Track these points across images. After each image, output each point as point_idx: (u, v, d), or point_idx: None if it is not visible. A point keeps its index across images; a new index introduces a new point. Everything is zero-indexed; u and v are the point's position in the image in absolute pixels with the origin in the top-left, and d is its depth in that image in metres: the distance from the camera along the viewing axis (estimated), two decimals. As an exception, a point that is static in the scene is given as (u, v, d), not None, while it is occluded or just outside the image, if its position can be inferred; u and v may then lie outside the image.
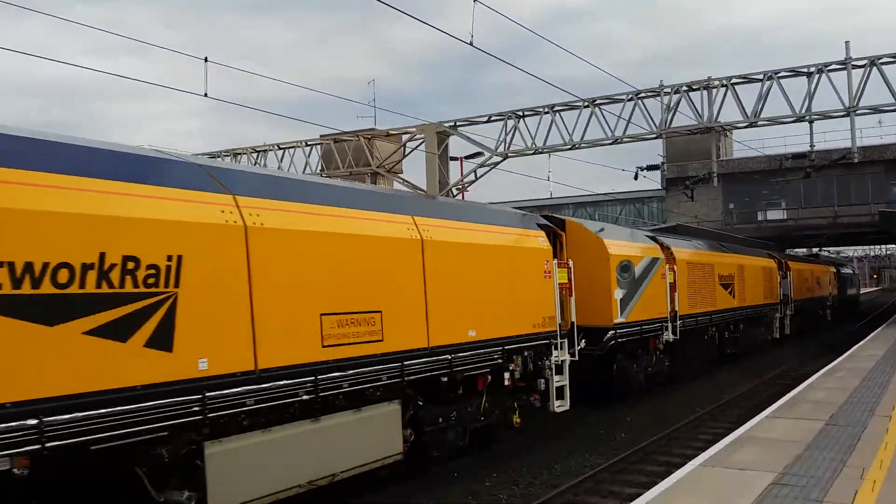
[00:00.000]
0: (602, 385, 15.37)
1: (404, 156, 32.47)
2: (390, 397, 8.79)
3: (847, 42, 23.54)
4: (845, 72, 23.40)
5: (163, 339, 6.13)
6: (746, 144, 46.33)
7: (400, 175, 33.34)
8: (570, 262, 12.82)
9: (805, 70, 24.19)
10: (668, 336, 17.38)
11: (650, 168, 30.61)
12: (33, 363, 5.29)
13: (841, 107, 23.50)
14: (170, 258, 6.25)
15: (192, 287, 6.39)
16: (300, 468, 7.49)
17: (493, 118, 29.13)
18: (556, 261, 12.34)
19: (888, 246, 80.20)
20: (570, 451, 12.22)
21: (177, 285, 6.27)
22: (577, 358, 12.82)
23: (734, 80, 25.09)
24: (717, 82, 25.25)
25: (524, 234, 11.93)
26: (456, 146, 31.66)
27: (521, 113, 28.22)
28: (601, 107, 26.66)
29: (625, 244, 16.26)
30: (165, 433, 6.17)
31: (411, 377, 8.91)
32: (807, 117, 24.32)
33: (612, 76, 28.65)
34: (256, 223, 7.07)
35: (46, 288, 5.38)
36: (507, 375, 10.98)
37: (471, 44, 14.81)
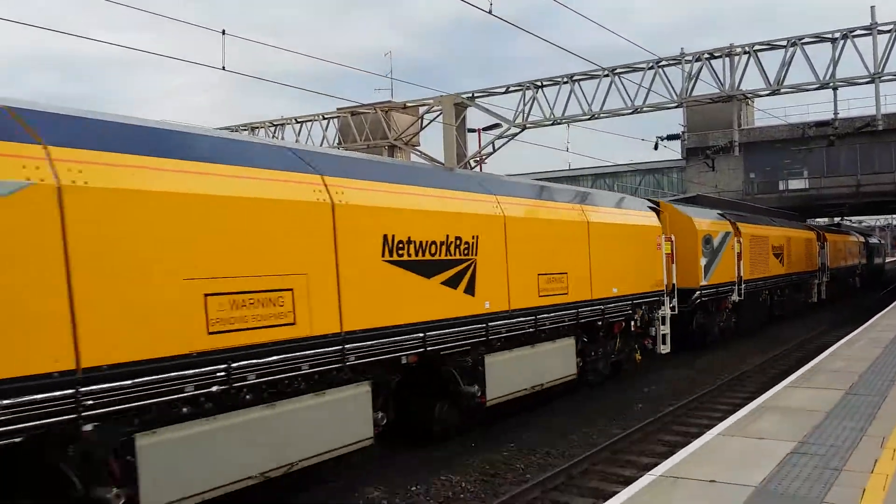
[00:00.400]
0: (683, 336, 18.12)
1: (422, 128, 32.33)
2: (568, 335, 12.38)
3: (873, 7, 23.03)
4: (870, 37, 22.93)
5: (471, 288, 9.91)
6: (768, 113, 45.57)
7: (417, 147, 33.25)
8: (673, 237, 16.59)
9: (829, 36, 23.73)
10: (735, 297, 21.12)
11: (670, 138, 30.26)
12: (422, 299, 8.99)
13: (866, 73, 23.06)
14: (474, 237, 9.99)
15: (482, 255, 10.10)
16: (526, 377, 11.23)
17: (511, 89, 28.87)
18: (663, 236, 15.93)
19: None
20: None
21: (475, 254, 10.00)
22: (676, 312, 16.31)
23: (757, 47, 24.66)
24: (739, 49, 24.83)
25: (645, 216, 15.63)
26: (474, 118, 31.52)
27: (539, 83, 27.94)
28: (621, 76, 26.33)
29: (706, 221, 19.83)
30: (468, 348, 10.01)
31: (582, 320, 12.65)
32: (831, 84, 23.90)
33: (632, 43, 28.16)
34: (509, 214, 10.78)
35: (426, 256, 9.07)
36: (632, 323, 14.67)
37: (489, 12, 14.63)
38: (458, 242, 9.64)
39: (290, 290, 7.16)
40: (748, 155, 40.56)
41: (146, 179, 6.04)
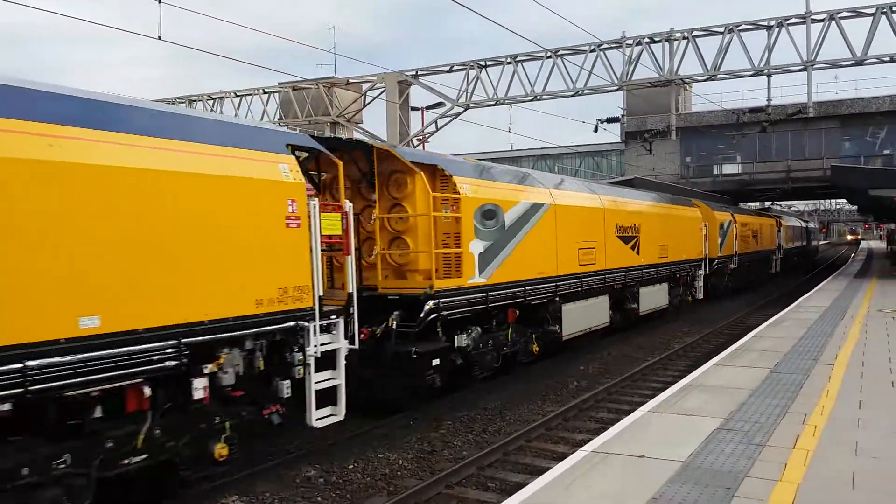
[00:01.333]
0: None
1: (364, 105, 32.05)
2: (662, 282, 20.36)
3: (807, -5, 23.67)
4: (804, 26, 23.59)
5: (637, 250, 18.14)
6: (706, 98, 46.56)
7: (360, 125, 32.96)
8: (706, 224, 24.97)
9: (765, 23, 24.32)
10: (733, 265, 29.29)
11: (610, 121, 30.60)
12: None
13: (799, 61, 23.73)
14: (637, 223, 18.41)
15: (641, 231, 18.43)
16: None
17: (454, 68, 28.82)
18: (703, 223, 24.35)
19: (836, 200, 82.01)
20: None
21: (638, 232, 18.12)
22: (708, 273, 25.06)
23: (695, 33, 25.13)
24: (678, 34, 25.26)
25: (692, 210, 24.07)
26: (417, 96, 31.48)
27: (483, 63, 27.96)
28: (563, 58, 26.54)
29: (721, 213, 27.93)
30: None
31: (674, 273, 21.49)
32: (765, 71, 24.53)
33: (574, 25, 28.47)
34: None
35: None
36: (688, 277, 23.23)
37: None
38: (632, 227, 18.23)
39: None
40: (685, 139, 41.47)
41: (581, 199, 14.91)
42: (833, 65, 24.27)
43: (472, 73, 27.97)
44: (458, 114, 28.91)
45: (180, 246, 6.53)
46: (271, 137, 7.92)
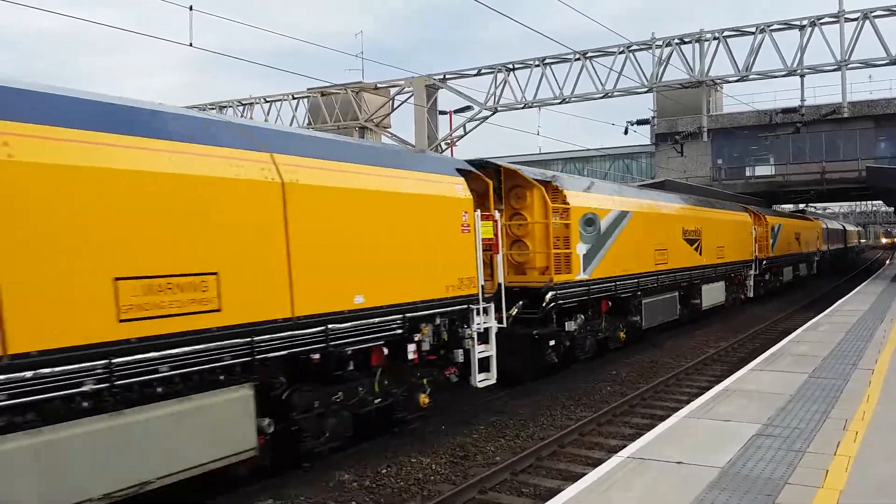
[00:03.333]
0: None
1: (392, 109, 32.16)
2: (719, 280, 23.02)
3: (840, -6, 23.31)
4: (838, 25, 23.21)
5: (700, 251, 20.57)
6: (737, 99, 46.06)
7: (388, 129, 33.05)
8: (756, 227, 27.37)
9: (797, 23, 23.98)
10: (777, 265, 31.58)
11: (640, 122, 30.41)
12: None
13: (832, 61, 23.36)
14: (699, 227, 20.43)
15: (703, 235, 20.96)
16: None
17: (482, 71, 28.81)
18: (754, 226, 26.91)
19: (873, 202, 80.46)
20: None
21: (700, 235, 20.84)
22: (758, 272, 27.21)
23: (726, 33, 24.85)
24: (708, 35, 25.00)
25: (742, 216, 26.35)
26: (445, 100, 31.57)
27: (511, 66, 27.91)
28: (592, 59, 26.39)
29: (775, 217, 32.05)
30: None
31: (729, 273, 23.89)
32: (798, 71, 24.18)
33: (603, 26, 28.33)
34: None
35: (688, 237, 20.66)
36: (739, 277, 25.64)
37: (462, -7, 14.50)
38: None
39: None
40: (716, 141, 40.97)
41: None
42: (867, 64, 23.85)
43: (500, 76, 27.93)
44: (487, 117, 28.88)
45: (409, 245, 9.07)
46: (450, 164, 10.77)
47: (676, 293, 19.07)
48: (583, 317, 14.47)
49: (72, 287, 5.54)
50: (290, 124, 32.60)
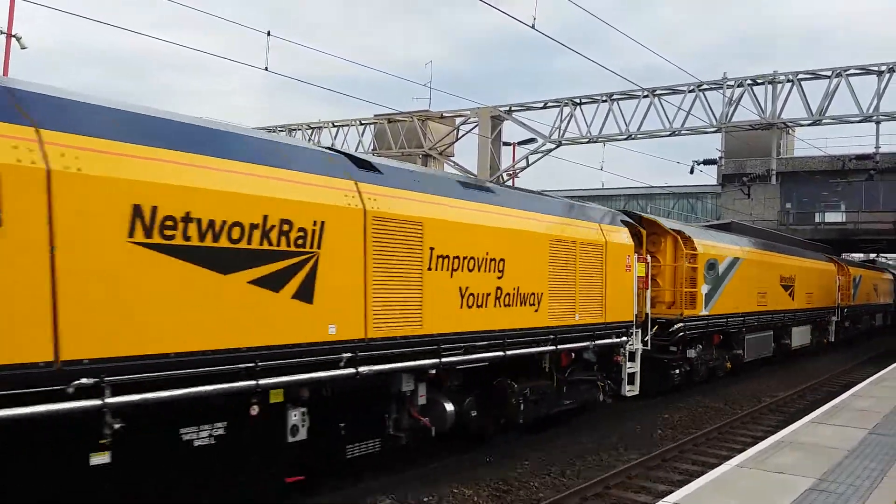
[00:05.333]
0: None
1: (457, 139, 32.42)
2: (807, 324, 25.91)
3: (921, 41, 22.70)
4: (917, 72, 22.58)
5: (792, 296, 23.83)
6: (808, 143, 45.00)
7: (451, 158, 33.32)
8: (840, 277, 29.66)
9: (875, 68, 23.41)
10: (855, 314, 33.70)
11: (707, 162, 29.90)
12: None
13: (910, 108, 22.69)
14: (793, 275, 23.74)
15: (796, 281, 24.07)
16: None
17: (549, 104, 28.85)
18: (838, 276, 28.51)
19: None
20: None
21: (794, 282, 23.85)
22: (839, 319, 29.17)
23: (800, 76, 24.41)
24: (782, 77, 24.60)
25: (828, 263, 28.48)
26: (510, 131, 31.60)
27: (577, 100, 27.89)
28: (661, 97, 26.20)
29: (858, 269, 34.63)
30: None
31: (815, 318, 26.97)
32: (874, 117, 23.57)
33: (673, 65, 28.08)
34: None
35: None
36: (816, 323, 26.67)
37: (532, 27, 14.65)
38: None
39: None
40: (785, 184, 40.01)
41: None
42: (948, 112, 23.10)
43: (567, 109, 27.93)
44: (550, 150, 28.86)
45: (604, 282, 11.99)
46: (620, 217, 13.58)
47: (771, 332, 21.78)
48: (701, 346, 17.22)
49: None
50: (356, 150, 33.17)
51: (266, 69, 17.44)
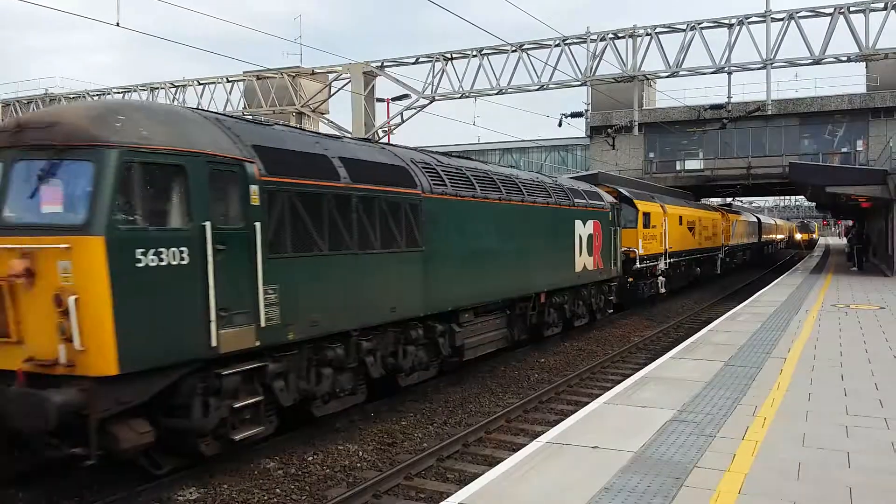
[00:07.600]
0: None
1: (329, 95, 31.91)
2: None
3: (768, -6, 24.13)
4: (764, 24, 24.00)
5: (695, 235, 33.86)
6: (668, 95, 47.14)
7: (326, 116, 32.78)
8: (734, 222, 41.05)
9: (726, 21, 24.70)
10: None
11: (574, 115, 30.90)
12: None
13: (759, 59, 24.15)
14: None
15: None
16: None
17: (420, 60, 28.84)
18: (723, 221, 36.47)
19: (795, 197, 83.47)
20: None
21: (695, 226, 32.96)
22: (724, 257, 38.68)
23: (658, 30, 25.44)
24: (641, 31, 25.54)
25: (717, 214, 36.93)
26: (383, 88, 31.43)
27: (448, 55, 28.01)
28: (528, 52, 26.69)
29: (735, 215, 43.05)
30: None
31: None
32: (726, 68, 24.96)
33: (538, 20, 28.88)
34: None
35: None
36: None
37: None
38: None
39: None
40: (648, 135, 41.94)
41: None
42: (792, 63, 24.77)
43: (438, 65, 28.00)
44: (424, 106, 28.94)
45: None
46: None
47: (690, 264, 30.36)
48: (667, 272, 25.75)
49: None
50: (225, 108, 32.04)
51: (117, 24, 16.50)
